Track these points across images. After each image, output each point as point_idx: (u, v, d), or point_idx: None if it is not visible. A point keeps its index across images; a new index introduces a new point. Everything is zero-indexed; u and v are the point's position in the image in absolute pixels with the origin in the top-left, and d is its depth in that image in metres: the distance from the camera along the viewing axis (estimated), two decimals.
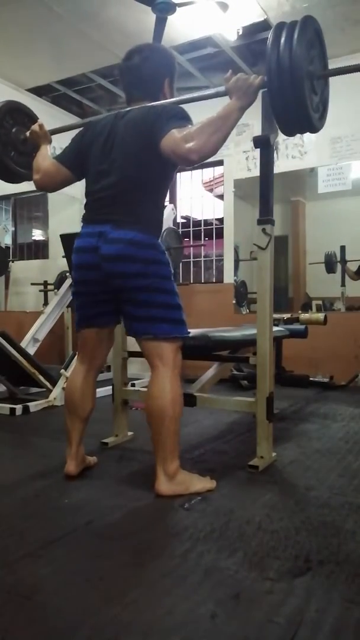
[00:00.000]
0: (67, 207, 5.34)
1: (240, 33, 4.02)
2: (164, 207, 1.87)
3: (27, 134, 2.03)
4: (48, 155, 1.95)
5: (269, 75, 1.54)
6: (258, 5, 3.62)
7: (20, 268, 5.35)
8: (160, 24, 3.50)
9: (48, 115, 5.30)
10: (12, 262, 5.18)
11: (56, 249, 4.76)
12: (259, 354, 1.97)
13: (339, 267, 4.68)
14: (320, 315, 3.48)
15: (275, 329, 2.58)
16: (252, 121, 4.64)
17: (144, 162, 1.70)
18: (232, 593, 1.08)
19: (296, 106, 1.53)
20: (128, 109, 1.82)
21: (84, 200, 1.85)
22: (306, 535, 1.37)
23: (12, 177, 2.17)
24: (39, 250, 5.72)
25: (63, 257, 3.95)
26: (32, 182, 1.99)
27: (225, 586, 1.12)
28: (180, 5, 3.39)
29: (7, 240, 5.56)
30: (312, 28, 1.61)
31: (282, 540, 1.33)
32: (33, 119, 2.18)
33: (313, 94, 1.56)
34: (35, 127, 2.01)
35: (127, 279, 1.69)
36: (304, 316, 3.52)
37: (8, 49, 4.26)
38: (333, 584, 1.12)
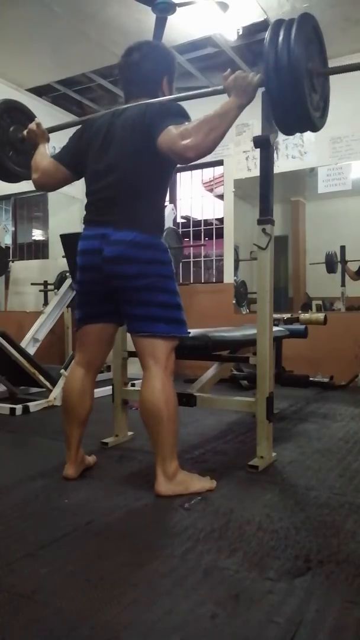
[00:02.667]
0: (67, 207, 5.34)
1: (240, 33, 4.02)
2: (164, 206, 1.87)
3: (25, 132, 2.02)
4: (46, 154, 1.95)
5: (267, 74, 1.53)
6: (258, 5, 3.62)
7: (20, 268, 5.35)
8: (160, 24, 3.50)
9: (48, 115, 5.30)
10: (12, 262, 5.18)
11: (56, 249, 4.76)
12: (259, 354, 1.97)
13: (339, 267, 4.68)
14: (320, 315, 3.48)
15: (275, 329, 2.58)
16: (252, 121, 4.64)
17: (142, 161, 1.70)
18: (232, 593, 1.08)
19: (295, 105, 1.51)
20: (125, 106, 1.81)
21: (85, 200, 1.85)
22: (306, 535, 1.37)
23: (11, 177, 2.16)
24: (39, 250, 5.72)
25: (63, 257, 3.95)
26: (31, 181, 1.98)
27: (225, 586, 1.12)
28: (180, 5, 3.39)
29: (7, 240, 5.56)
30: (310, 25, 1.59)
31: (282, 540, 1.33)
32: (31, 117, 2.17)
33: (313, 92, 1.55)
34: (32, 125, 2.00)
35: (126, 280, 1.70)
36: (304, 316, 3.52)
37: (8, 49, 4.26)
38: (333, 584, 1.12)
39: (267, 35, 1.53)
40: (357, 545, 1.32)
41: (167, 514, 1.53)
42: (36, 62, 4.48)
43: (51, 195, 5.14)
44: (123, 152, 1.72)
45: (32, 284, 5.09)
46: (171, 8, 3.39)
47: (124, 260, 1.68)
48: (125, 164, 1.71)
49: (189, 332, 1.80)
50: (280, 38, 1.49)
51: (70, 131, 1.97)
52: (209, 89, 1.83)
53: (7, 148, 2.08)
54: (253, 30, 4.06)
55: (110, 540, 1.36)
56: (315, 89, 1.58)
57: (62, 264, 4.51)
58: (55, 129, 2.10)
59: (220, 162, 4.96)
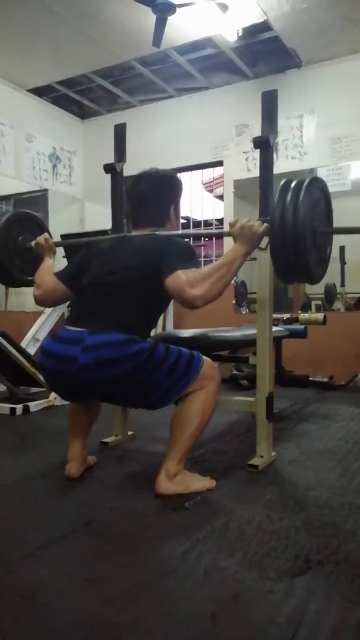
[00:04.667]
0: (67, 207, 5.33)
1: (240, 34, 4.03)
2: (153, 326, 1.82)
3: (33, 244, 2.04)
4: (50, 269, 1.95)
5: (272, 231, 1.57)
6: (258, 6, 3.62)
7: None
8: (160, 24, 3.51)
9: (48, 116, 5.33)
10: None
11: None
12: (259, 354, 1.97)
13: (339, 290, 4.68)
14: (320, 315, 3.48)
15: (275, 329, 2.58)
16: (252, 121, 4.65)
17: (144, 285, 1.66)
18: (232, 593, 1.08)
19: (297, 260, 1.55)
20: (134, 234, 1.84)
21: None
22: (306, 535, 1.37)
23: (14, 283, 2.21)
24: None
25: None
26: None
27: (225, 586, 1.12)
28: (180, 5, 3.40)
29: None
30: (318, 187, 1.64)
31: (282, 540, 1.33)
32: (41, 226, 2.20)
33: (314, 249, 1.59)
34: (40, 239, 2.01)
35: (119, 383, 1.59)
36: (303, 316, 3.52)
37: (8, 50, 4.26)
38: (333, 584, 1.12)
39: (277, 193, 1.58)
40: (357, 545, 1.32)
41: (167, 514, 1.53)
42: (36, 62, 4.49)
43: (51, 196, 5.14)
44: (126, 273, 1.68)
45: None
46: (171, 9, 3.39)
47: (106, 364, 1.55)
48: (126, 281, 1.67)
49: (201, 358, 1.70)
50: (288, 198, 1.54)
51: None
52: (216, 231, 1.85)
53: (14, 256, 2.10)
54: (253, 31, 4.07)
55: (110, 540, 1.36)
56: (317, 245, 1.62)
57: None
58: (62, 244, 2.12)
59: (220, 163, 4.96)
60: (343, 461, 2.05)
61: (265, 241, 1.92)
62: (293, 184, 1.58)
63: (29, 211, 2.28)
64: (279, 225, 1.53)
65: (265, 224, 1.64)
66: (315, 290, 4.99)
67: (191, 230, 1.72)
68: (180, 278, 1.56)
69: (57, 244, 2.08)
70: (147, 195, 1.83)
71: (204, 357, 1.71)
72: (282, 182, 1.61)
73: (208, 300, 1.58)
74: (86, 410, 1.89)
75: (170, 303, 1.96)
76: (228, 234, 1.71)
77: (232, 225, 1.67)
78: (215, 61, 4.58)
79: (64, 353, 1.61)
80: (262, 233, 1.65)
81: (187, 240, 1.81)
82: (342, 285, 4.67)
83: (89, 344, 1.57)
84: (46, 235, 2.06)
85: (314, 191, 1.61)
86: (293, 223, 1.51)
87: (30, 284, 2.07)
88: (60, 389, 1.80)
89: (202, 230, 1.59)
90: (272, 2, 3.59)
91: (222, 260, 1.63)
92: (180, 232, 1.86)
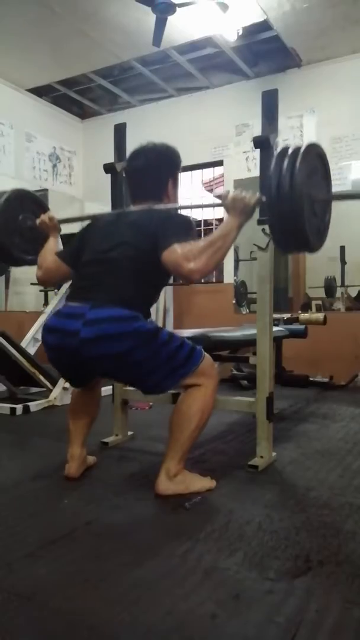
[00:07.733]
0: (67, 207, 5.34)
1: (240, 33, 4.03)
2: (154, 302, 1.82)
3: (37, 222, 2.02)
4: (53, 249, 1.93)
5: (269, 202, 1.53)
6: (258, 6, 3.62)
7: (20, 268, 5.32)
8: (160, 24, 3.51)
9: (48, 115, 5.33)
10: None
11: None
12: (259, 354, 1.97)
13: (338, 291, 4.67)
14: (320, 315, 3.48)
15: (275, 329, 2.58)
16: (252, 121, 4.65)
17: (142, 260, 1.66)
18: (232, 593, 1.08)
19: (295, 230, 1.52)
20: (132, 209, 1.83)
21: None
22: (306, 536, 1.37)
23: (14, 263, 2.19)
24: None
25: None
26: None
27: (225, 586, 1.12)
28: (181, 5, 3.40)
29: None
30: (315, 154, 1.61)
31: (282, 540, 1.33)
32: (42, 206, 2.18)
33: (313, 217, 1.57)
34: (44, 217, 2.00)
35: (119, 359, 1.59)
36: (303, 316, 3.52)
37: (8, 49, 4.26)
38: (333, 584, 1.12)
39: (273, 162, 1.53)
40: (357, 545, 1.32)
41: (167, 514, 1.53)
42: (36, 62, 4.49)
43: (51, 196, 5.14)
44: (125, 249, 1.68)
45: (32, 284, 5.06)
46: (171, 8, 3.39)
47: (106, 339, 1.56)
48: (124, 257, 1.67)
49: (202, 352, 1.71)
50: (284, 166, 1.50)
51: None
52: (210, 202, 1.83)
53: (14, 235, 2.08)
54: (253, 31, 4.07)
55: (110, 540, 1.36)
56: (316, 213, 1.59)
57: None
58: (66, 220, 2.09)
59: (220, 163, 4.96)
60: (343, 461, 2.05)
61: (265, 241, 1.92)
62: (289, 152, 1.52)
63: (25, 189, 2.24)
64: (275, 196, 1.49)
65: (257, 194, 1.63)
66: (316, 290, 4.99)
67: (187, 204, 1.69)
68: (177, 252, 1.57)
69: (61, 222, 2.03)
70: (144, 170, 1.82)
71: (205, 354, 1.71)
72: (278, 150, 1.56)
73: (204, 273, 1.59)
74: (85, 409, 1.89)
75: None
76: (221, 206, 1.70)
77: (224, 197, 1.66)
78: (215, 61, 4.59)
79: (66, 327, 1.62)
80: (254, 204, 1.64)
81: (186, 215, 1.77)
82: (343, 285, 4.67)
83: (91, 318, 1.58)
84: (50, 213, 2.04)
85: (311, 159, 1.55)
86: (289, 193, 1.46)
87: (31, 263, 2.05)
88: (63, 367, 1.78)
89: (196, 203, 1.57)
90: (272, 2, 3.59)
91: (217, 233, 1.62)
92: (176, 205, 1.83)
